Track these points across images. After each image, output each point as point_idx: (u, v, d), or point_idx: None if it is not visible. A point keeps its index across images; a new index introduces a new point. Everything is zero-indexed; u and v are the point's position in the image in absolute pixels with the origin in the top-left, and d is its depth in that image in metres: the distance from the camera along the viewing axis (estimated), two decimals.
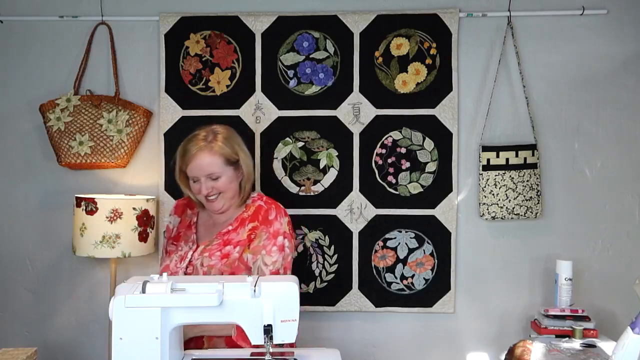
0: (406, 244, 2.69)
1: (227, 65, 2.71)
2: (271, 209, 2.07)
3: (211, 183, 2.03)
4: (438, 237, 2.69)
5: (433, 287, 2.69)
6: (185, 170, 2.07)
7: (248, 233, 2.03)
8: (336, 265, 2.70)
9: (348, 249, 2.70)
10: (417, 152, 2.68)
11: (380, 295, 2.70)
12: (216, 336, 2.00)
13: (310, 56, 2.69)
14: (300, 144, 2.70)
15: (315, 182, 2.70)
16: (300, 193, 2.70)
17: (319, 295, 2.70)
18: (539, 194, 2.63)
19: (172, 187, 2.66)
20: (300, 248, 2.71)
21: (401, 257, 2.69)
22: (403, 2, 2.69)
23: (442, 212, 2.68)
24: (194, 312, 1.65)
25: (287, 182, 2.70)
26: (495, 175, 2.63)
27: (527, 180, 2.62)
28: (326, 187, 2.70)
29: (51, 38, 2.74)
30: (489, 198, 2.62)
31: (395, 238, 2.69)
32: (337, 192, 2.70)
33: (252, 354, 1.79)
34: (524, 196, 2.62)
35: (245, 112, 2.71)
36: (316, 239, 2.70)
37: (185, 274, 2.02)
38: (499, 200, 2.62)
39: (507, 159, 2.63)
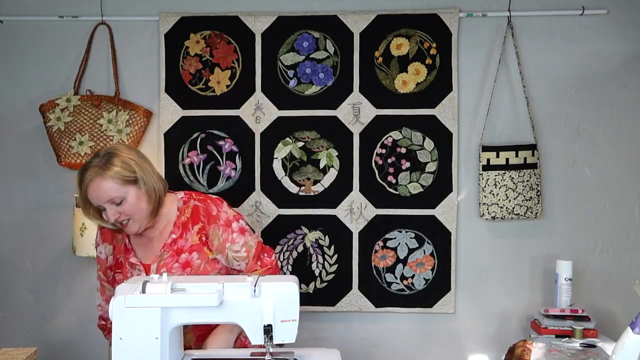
0: (406, 244, 2.69)
1: (227, 65, 2.71)
2: (208, 205, 2.01)
3: (116, 208, 1.89)
4: (438, 237, 2.68)
5: (433, 288, 2.69)
6: (89, 200, 1.92)
7: (198, 236, 1.98)
8: (336, 266, 2.70)
9: (348, 249, 2.70)
10: (417, 152, 2.68)
11: (380, 295, 2.70)
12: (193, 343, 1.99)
13: (310, 56, 2.69)
14: (300, 144, 2.70)
15: (315, 182, 2.70)
16: (300, 193, 2.70)
17: (319, 295, 2.70)
18: (539, 194, 2.63)
19: (171, 187, 2.65)
20: (300, 248, 2.71)
21: (401, 257, 2.69)
22: (403, 2, 2.69)
23: (442, 212, 2.68)
24: (194, 312, 1.65)
25: (287, 182, 2.70)
26: (495, 175, 2.63)
27: (527, 180, 2.62)
28: (326, 187, 2.70)
29: (51, 38, 2.74)
30: (489, 198, 2.62)
31: (395, 238, 2.69)
32: (337, 192, 2.70)
33: (252, 354, 1.79)
34: (524, 196, 2.62)
35: (245, 112, 2.70)
36: (316, 239, 2.70)
37: None
38: (499, 200, 2.62)
39: (507, 159, 2.63)
